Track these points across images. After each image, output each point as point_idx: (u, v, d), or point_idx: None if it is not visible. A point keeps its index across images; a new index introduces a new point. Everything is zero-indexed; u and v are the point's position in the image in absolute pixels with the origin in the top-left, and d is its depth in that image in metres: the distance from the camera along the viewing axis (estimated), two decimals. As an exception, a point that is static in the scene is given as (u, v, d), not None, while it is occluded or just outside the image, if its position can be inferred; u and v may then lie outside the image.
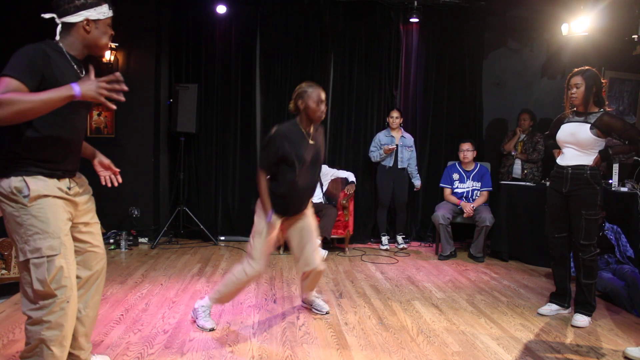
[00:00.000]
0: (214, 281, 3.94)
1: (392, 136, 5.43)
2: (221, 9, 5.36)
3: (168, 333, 2.83)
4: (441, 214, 5.01)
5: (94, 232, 2.16)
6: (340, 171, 5.56)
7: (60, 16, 1.92)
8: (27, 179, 1.85)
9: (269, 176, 2.90)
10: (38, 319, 1.86)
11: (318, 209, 5.15)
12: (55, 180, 1.93)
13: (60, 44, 1.94)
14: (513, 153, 5.51)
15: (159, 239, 5.22)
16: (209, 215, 5.63)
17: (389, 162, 5.42)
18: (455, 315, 3.29)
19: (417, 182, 5.57)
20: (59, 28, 1.93)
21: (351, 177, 5.47)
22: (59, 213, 1.91)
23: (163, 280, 3.92)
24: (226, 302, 3.09)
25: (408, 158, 5.47)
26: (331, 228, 4.95)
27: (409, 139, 5.51)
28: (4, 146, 1.87)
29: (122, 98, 1.80)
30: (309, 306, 3.34)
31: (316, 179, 3.01)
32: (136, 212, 5.25)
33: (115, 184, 2.27)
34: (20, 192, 1.83)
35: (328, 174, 5.49)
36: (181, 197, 5.42)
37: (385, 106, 5.75)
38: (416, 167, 5.57)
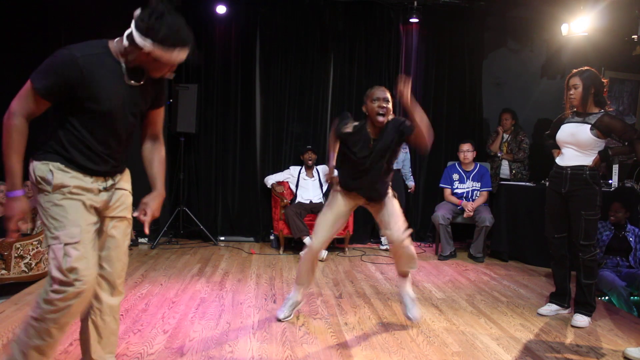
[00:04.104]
0: (213, 281, 3.95)
1: None
2: (221, 9, 5.36)
3: (168, 333, 2.83)
4: (441, 214, 5.01)
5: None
6: (340, 171, 5.56)
7: (134, 25, 1.77)
8: (54, 168, 1.88)
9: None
10: (50, 300, 1.85)
11: (317, 209, 5.14)
12: (86, 176, 1.95)
13: (115, 45, 1.84)
14: (499, 154, 5.52)
15: (158, 239, 5.22)
16: (209, 216, 5.63)
17: None
18: (455, 316, 3.30)
19: (411, 183, 5.57)
20: (128, 31, 1.79)
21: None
22: (79, 207, 1.93)
23: (163, 281, 3.92)
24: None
25: (402, 159, 5.48)
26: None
27: None
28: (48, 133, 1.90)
29: (12, 238, 1.88)
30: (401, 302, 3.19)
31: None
32: (136, 213, 5.23)
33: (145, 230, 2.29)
34: (45, 180, 1.86)
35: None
36: (181, 198, 5.42)
37: (385, 106, 5.74)
38: (410, 169, 5.57)
